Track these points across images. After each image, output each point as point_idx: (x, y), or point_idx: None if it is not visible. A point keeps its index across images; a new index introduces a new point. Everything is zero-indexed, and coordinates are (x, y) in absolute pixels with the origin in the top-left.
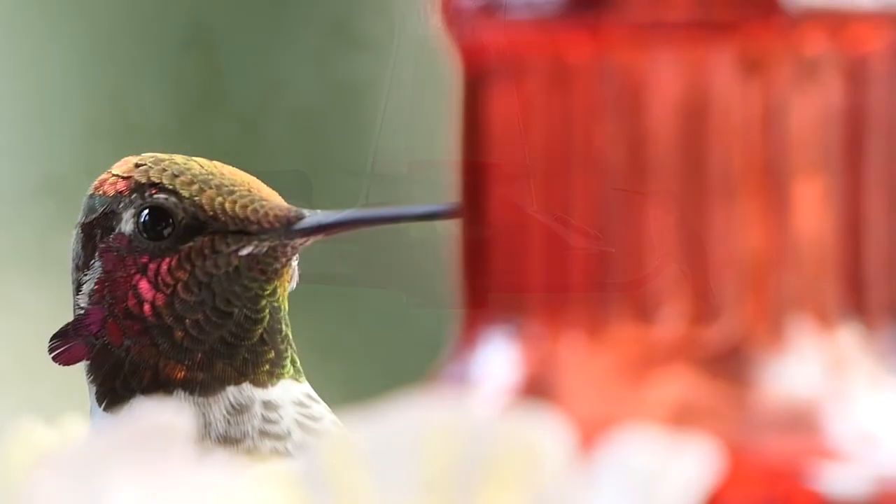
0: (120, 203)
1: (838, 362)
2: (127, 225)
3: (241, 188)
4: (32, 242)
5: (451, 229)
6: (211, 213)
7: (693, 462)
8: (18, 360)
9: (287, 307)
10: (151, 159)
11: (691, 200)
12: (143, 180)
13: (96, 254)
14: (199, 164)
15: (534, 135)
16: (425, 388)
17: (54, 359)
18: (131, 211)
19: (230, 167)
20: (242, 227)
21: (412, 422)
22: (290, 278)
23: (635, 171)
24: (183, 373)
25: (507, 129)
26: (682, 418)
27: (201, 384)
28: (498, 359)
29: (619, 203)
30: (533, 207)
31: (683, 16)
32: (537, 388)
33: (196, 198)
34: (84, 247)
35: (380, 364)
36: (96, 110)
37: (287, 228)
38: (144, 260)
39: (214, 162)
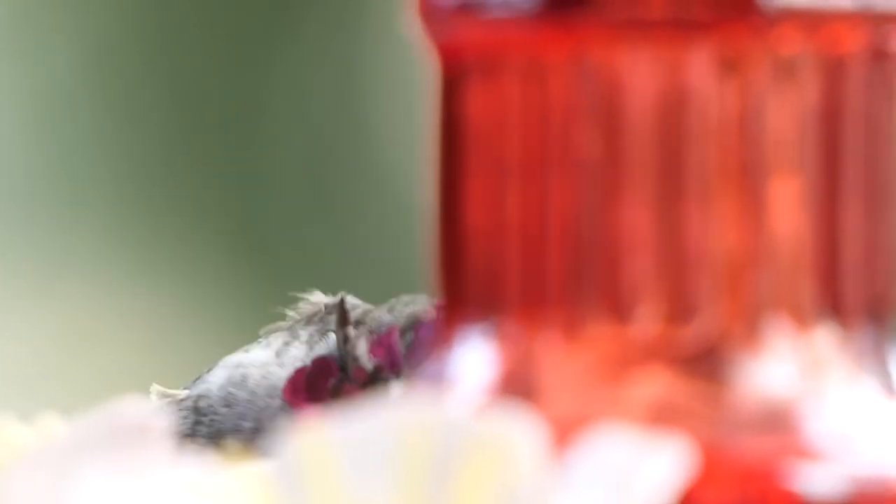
0: None
1: (814, 362)
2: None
3: None
4: (38, 244)
5: (428, 228)
6: None
7: (667, 461)
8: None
9: None
10: None
11: (667, 199)
12: None
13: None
14: None
15: (510, 133)
16: (401, 386)
17: None
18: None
19: None
20: None
21: (387, 420)
22: None
23: (611, 170)
24: None
25: (484, 127)
26: (659, 418)
27: None
28: (474, 358)
29: (595, 202)
30: (509, 206)
31: (660, 15)
32: (514, 387)
33: None
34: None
35: None
36: (98, 115)
37: None
38: None
39: None
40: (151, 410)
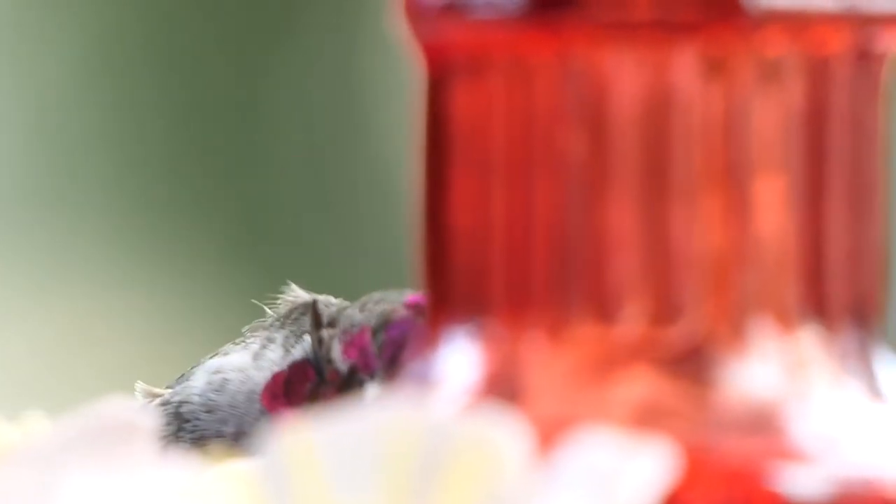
0: None
1: (799, 363)
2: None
3: None
4: (39, 243)
5: (412, 228)
6: None
7: (652, 462)
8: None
9: None
10: None
11: (653, 200)
12: None
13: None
14: None
15: (496, 134)
16: (387, 386)
17: None
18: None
19: None
20: None
21: (372, 420)
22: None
23: (597, 171)
24: None
25: (470, 128)
26: (644, 418)
27: None
28: (459, 358)
29: (580, 202)
30: (494, 206)
31: (645, 16)
32: (499, 388)
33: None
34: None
35: None
36: (99, 114)
37: None
38: None
39: None
40: (136, 410)
